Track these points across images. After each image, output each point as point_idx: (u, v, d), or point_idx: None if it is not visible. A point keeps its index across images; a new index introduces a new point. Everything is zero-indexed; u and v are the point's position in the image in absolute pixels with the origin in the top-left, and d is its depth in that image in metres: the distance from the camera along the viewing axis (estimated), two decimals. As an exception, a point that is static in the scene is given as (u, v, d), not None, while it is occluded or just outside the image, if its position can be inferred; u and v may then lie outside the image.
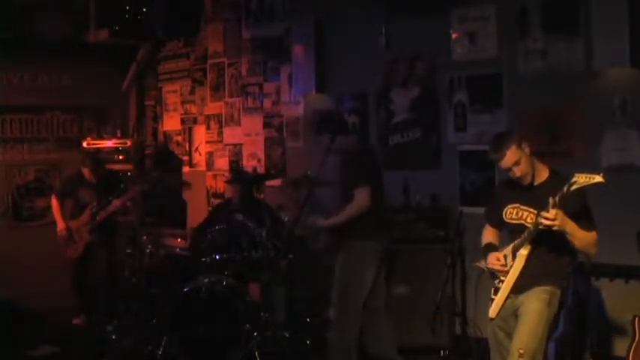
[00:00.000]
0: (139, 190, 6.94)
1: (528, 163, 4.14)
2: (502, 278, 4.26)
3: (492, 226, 4.50)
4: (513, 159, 4.11)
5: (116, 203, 7.00)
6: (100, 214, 7.04)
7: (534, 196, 4.13)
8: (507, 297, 4.24)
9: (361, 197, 5.13)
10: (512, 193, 4.27)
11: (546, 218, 3.91)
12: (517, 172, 4.14)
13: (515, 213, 4.23)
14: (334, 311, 5.26)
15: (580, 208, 4.06)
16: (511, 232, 4.31)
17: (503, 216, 4.30)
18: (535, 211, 4.08)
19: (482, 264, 4.47)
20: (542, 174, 4.21)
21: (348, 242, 5.24)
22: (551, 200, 3.92)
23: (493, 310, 4.29)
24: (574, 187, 3.85)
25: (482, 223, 4.58)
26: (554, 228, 3.94)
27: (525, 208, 4.18)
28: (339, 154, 5.31)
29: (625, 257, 5.13)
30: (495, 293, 4.30)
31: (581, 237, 4.03)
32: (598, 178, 3.81)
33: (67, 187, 7.42)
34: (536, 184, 4.20)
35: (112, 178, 7.44)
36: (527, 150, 4.14)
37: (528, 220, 4.15)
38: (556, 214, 3.89)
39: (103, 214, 7.04)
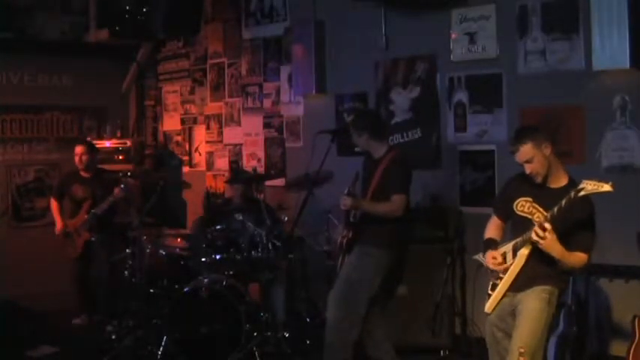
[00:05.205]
0: (131, 183, 6.93)
1: (542, 163, 4.13)
2: (501, 275, 4.26)
3: (499, 216, 4.48)
4: (526, 156, 4.11)
5: (110, 198, 7.00)
6: (97, 209, 7.05)
7: (548, 199, 4.11)
8: (505, 295, 4.25)
9: (398, 204, 5.10)
10: (527, 187, 4.25)
11: (536, 233, 3.93)
12: (528, 168, 4.15)
13: (527, 207, 4.22)
14: (333, 311, 5.20)
15: (586, 220, 4.04)
16: (515, 225, 4.30)
17: (514, 207, 4.27)
18: (545, 214, 4.06)
19: (481, 257, 4.46)
20: (562, 180, 4.19)
21: (364, 247, 5.21)
22: (549, 213, 3.93)
23: (489, 306, 4.30)
24: (581, 193, 3.84)
25: (482, 223, 4.57)
26: (539, 245, 3.94)
27: (537, 206, 4.16)
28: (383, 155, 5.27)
29: (625, 257, 5.13)
30: (492, 289, 4.31)
31: (566, 262, 4.03)
32: (606, 187, 3.78)
33: (61, 186, 7.45)
34: (552, 186, 4.18)
35: (106, 174, 7.46)
36: (546, 151, 4.12)
37: (535, 218, 4.14)
38: (548, 232, 3.89)
39: (99, 210, 7.05)
